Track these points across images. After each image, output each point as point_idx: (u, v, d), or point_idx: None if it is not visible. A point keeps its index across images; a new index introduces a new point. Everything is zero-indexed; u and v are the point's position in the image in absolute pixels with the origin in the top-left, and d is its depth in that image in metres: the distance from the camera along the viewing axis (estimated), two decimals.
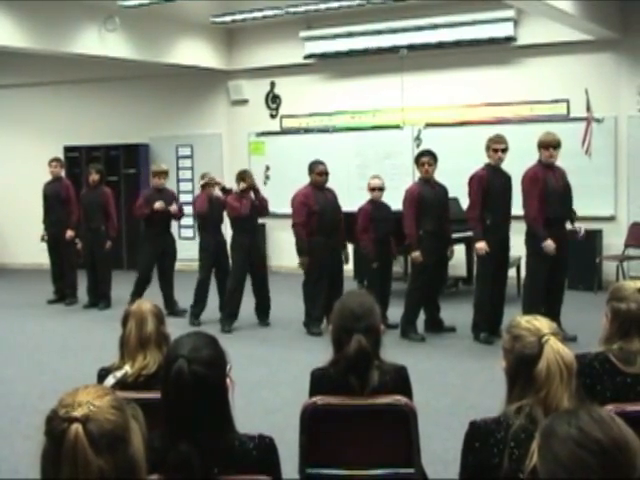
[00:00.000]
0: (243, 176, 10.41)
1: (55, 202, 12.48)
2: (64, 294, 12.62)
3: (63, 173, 13.23)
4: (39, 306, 12.39)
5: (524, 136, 11.45)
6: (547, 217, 8.87)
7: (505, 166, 9.35)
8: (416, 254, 9.45)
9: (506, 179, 9.31)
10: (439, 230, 9.60)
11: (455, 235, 10.55)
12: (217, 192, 10.73)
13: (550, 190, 8.86)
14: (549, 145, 8.88)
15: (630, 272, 12.16)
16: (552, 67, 12.84)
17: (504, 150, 9.20)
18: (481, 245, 9.14)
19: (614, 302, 3.74)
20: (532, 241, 8.99)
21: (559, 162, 9.06)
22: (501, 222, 9.21)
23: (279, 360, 8.86)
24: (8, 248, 17.17)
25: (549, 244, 8.77)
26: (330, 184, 10.23)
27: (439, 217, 9.61)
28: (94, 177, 12.17)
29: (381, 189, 10.00)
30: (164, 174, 11.37)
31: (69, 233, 12.19)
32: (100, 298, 12.11)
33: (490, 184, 9.19)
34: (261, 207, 10.49)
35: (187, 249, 13.47)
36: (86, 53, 12.98)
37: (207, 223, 10.69)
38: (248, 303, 10.55)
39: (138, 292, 10.88)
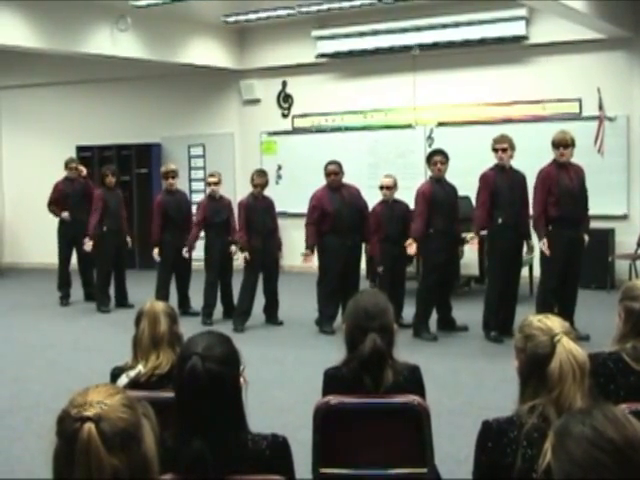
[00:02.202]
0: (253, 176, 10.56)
1: (79, 202, 12.42)
2: (91, 296, 12.54)
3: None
4: (52, 305, 12.42)
5: (536, 135, 11.48)
6: (560, 217, 8.87)
7: (518, 165, 9.36)
8: (411, 246, 9.47)
9: (517, 178, 9.30)
10: (449, 229, 9.60)
11: (467, 234, 10.53)
12: None
13: (563, 189, 8.85)
14: (559, 144, 8.88)
15: None
16: (564, 66, 12.81)
17: (504, 150, 9.19)
18: (474, 242, 9.21)
19: (627, 301, 3.73)
20: (546, 241, 9.02)
21: (574, 160, 9.06)
22: (512, 222, 9.19)
23: (292, 359, 8.87)
24: (20, 248, 17.23)
25: (544, 247, 8.85)
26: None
27: (449, 216, 9.61)
28: (111, 179, 12.11)
29: (389, 188, 9.98)
30: (173, 173, 11.33)
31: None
32: (125, 297, 12.12)
33: (497, 184, 9.21)
34: None
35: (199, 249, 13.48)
36: (98, 53, 13.01)
37: (213, 224, 10.72)
38: (261, 303, 10.58)
39: (163, 294, 10.84)
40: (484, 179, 9.28)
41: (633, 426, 1.85)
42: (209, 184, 10.93)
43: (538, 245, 9.06)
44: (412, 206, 9.92)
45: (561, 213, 8.87)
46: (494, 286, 9.36)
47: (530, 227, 9.40)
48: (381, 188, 10.03)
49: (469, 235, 9.40)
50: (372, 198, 10.23)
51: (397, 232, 9.89)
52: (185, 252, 10.82)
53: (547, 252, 8.87)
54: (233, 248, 10.76)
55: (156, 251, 11.12)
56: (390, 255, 9.90)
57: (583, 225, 9.11)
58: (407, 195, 10.03)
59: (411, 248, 9.53)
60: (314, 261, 10.15)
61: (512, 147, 9.23)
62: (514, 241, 9.29)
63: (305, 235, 10.14)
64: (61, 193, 12.50)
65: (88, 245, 11.65)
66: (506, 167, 9.26)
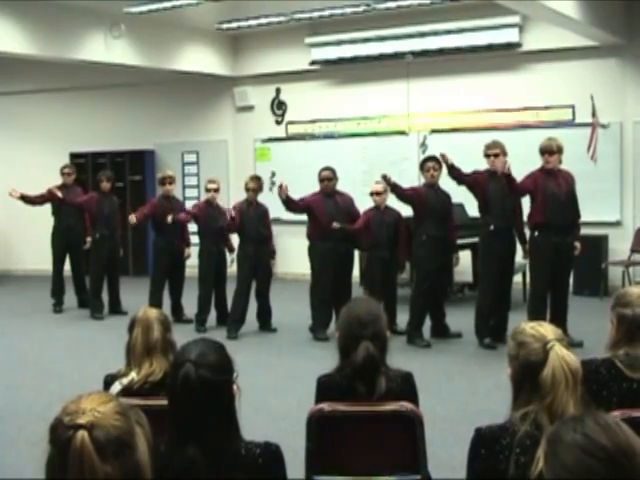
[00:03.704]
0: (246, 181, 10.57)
1: (72, 209, 12.39)
2: (84, 303, 12.53)
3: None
4: (45, 312, 12.39)
5: (529, 142, 11.44)
6: (546, 223, 8.87)
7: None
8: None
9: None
10: (442, 235, 9.61)
11: (461, 241, 10.55)
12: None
13: (549, 196, 8.85)
14: (544, 151, 8.92)
15: (636, 277, 12.13)
16: (557, 73, 12.85)
17: (496, 155, 9.20)
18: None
19: (619, 308, 3.74)
20: (533, 247, 9.03)
21: (566, 168, 9.07)
22: (504, 227, 9.21)
23: (285, 366, 8.86)
24: (14, 254, 17.19)
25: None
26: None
27: (442, 222, 9.62)
28: (105, 184, 12.07)
29: (379, 194, 9.98)
30: (170, 179, 11.30)
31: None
32: (118, 304, 12.07)
33: (489, 189, 9.22)
34: None
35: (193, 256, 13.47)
36: (92, 60, 13.01)
37: (208, 231, 10.71)
38: (254, 310, 10.58)
39: (157, 302, 10.80)
40: (481, 177, 9.31)
41: (625, 433, 1.85)
42: (208, 190, 10.90)
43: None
44: (405, 211, 9.97)
45: (546, 219, 8.87)
46: (486, 292, 9.37)
47: (524, 232, 9.42)
48: (371, 194, 10.05)
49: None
50: (366, 205, 10.23)
51: (386, 238, 9.89)
52: (169, 218, 10.77)
53: (507, 171, 8.75)
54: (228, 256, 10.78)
55: (132, 216, 11.04)
56: (379, 260, 9.90)
57: (572, 232, 9.10)
58: (400, 202, 10.02)
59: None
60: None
61: (504, 153, 9.24)
62: (506, 247, 9.29)
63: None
64: (55, 199, 12.46)
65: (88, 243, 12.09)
66: (498, 173, 9.27)
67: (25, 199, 12.45)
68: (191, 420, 2.69)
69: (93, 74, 15.22)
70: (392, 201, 10.10)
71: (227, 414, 2.77)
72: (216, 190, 10.82)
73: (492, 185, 9.25)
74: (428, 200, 9.59)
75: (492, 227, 9.22)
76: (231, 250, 10.81)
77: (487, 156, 9.28)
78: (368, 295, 9.76)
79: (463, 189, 9.58)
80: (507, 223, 9.24)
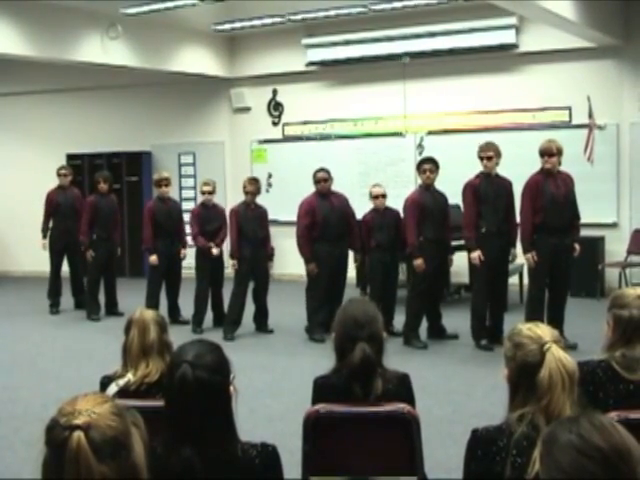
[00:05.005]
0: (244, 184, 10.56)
1: (69, 211, 12.41)
2: (81, 304, 12.51)
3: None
4: (42, 313, 12.37)
5: (526, 143, 11.50)
6: (544, 224, 8.87)
7: (508, 174, 9.37)
8: (418, 262, 9.44)
9: (503, 186, 9.30)
10: (439, 237, 9.61)
11: (457, 242, 10.55)
12: None
13: (547, 197, 8.85)
14: (544, 153, 8.90)
15: (633, 279, 12.14)
16: (554, 74, 12.85)
17: (489, 158, 9.20)
18: (474, 255, 9.19)
19: (616, 309, 3.74)
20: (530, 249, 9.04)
21: (564, 169, 9.07)
22: (497, 230, 9.21)
23: (282, 368, 8.86)
24: (11, 256, 17.18)
25: (530, 260, 8.86)
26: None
27: (439, 224, 9.62)
28: (102, 186, 12.06)
29: (384, 196, 10.00)
30: (166, 181, 11.29)
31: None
32: (115, 305, 12.07)
33: (483, 192, 9.22)
34: None
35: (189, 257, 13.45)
36: (89, 61, 12.99)
37: (205, 233, 10.70)
38: (251, 312, 10.57)
39: (154, 303, 10.79)
40: (470, 187, 9.31)
41: (620, 434, 1.85)
42: (203, 192, 10.91)
43: (524, 257, 9.08)
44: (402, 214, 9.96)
45: (545, 221, 8.87)
46: (480, 294, 9.37)
47: (516, 235, 9.40)
48: (376, 197, 10.01)
49: (472, 255, 9.31)
50: (363, 206, 10.24)
51: (388, 240, 9.90)
52: (215, 250, 10.72)
53: (532, 264, 8.90)
54: (215, 251, 10.69)
55: (153, 258, 11.06)
56: (381, 263, 9.90)
57: (571, 233, 9.09)
58: (397, 203, 10.03)
59: (418, 266, 9.52)
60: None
61: (498, 154, 9.24)
62: (499, 249, 9.29)
63: (299, 249, 10.08)
64: (52, 203, 12.46)
65: (89, 255, 11.83)
66: (491, 174, 9.27)
67: (46, 231, 12.61)
68: (188, 421, 2.69)
69: (90, 75, 15.21)
70: (391, 202, 10.11)
71: (224, 415, 2.77)
72: (210, 192, 10.83)
73: (486, 187, 9.24)
74: (424, 202, 9.59)
75: (484, 229, 9.22)
76: (215, 247, 10.73)
77: (480, 158, 9.28)
78: (364, 296, 9.80)
79: (460, 190, 9.58)
80: (499, 225, 9.23)
